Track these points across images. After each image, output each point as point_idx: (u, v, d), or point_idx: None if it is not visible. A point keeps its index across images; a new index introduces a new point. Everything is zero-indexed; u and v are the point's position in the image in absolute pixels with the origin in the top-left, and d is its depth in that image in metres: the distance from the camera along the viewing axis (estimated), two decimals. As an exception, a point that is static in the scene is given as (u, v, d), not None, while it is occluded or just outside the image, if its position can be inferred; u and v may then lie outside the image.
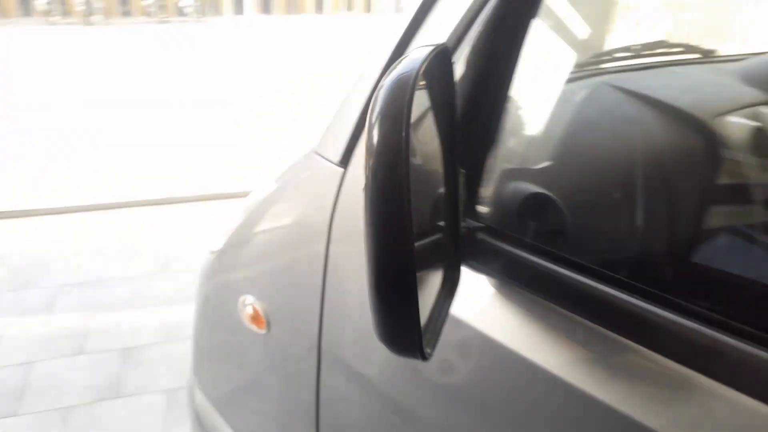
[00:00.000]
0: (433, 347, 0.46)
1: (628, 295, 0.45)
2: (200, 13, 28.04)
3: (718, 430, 0.40)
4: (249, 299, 0.92)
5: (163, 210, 3.74)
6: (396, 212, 0.39)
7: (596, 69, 0.94)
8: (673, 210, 0.59)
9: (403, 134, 0.38)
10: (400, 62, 0.42)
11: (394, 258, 0.40)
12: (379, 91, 0.40)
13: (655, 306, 0.44)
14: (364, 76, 0.77)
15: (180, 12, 28.46)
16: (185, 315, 2.56)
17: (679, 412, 0.42)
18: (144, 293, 2.75)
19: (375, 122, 0.39)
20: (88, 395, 2.08)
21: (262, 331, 0.89)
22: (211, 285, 1.08)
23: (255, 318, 0.91)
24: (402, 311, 0.41)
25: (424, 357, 0.43)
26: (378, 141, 0.39)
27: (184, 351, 2.31)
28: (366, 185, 0.40)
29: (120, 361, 2.26)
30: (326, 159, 0.80)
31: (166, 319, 2.54)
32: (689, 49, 1.34)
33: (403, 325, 0.42)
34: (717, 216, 0.60)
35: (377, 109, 0.40)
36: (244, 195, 1.11)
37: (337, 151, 0.77)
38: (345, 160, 0.76)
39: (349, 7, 39.89)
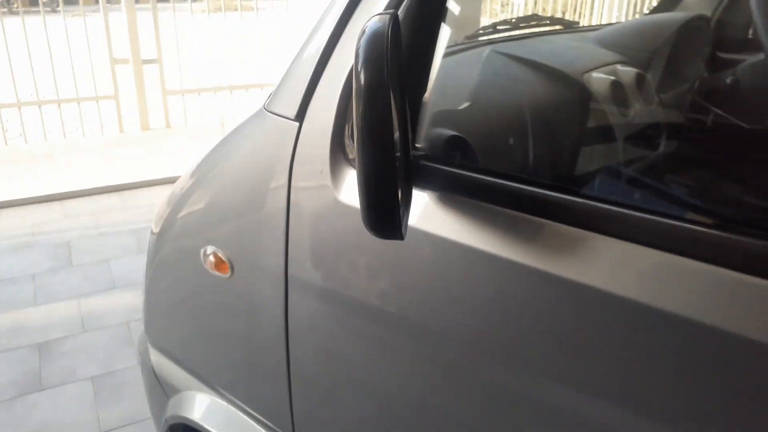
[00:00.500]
0: (405, 230, 0.63)
1: (524, 185, 0.65)
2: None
3: (614, 272, 0.60)
4: (210, 249, 1.03)
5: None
6: (383, 132, 0.55)
7: (489, 39, 1.15)
8: (548, 134, 0.82)
9: (385, 71, 0.54)
10: (371, 20, 0.58)
11: (383, 166, 0.56)
12: (359, 44, 0.56)
13: (547, 190, 0.64)
14: (310, 39, 0.90)
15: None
16: (98, 306, 2.55)
17: (584, 262, 0.62)
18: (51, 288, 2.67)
19: (361, 68, 0.55)
20: (10, 392, 2.03)
21: (226, 275, 1.01)
22: (164, 252, 1.17)
23: (218, 264, 1.02)
24: (387, 206, 0.58)
25: (402, 237, 0.60)
26: (365, 78, 0.55)
27: (103, 339, 2.31)
28: (356, 113, 0.55)
29: (37, 356, 2.22)
30: (280, 115, 0.91)
31: (80, 311, 2.51)
32: (556, 21, 1.66)
33: (387, 215, 0.58)
34: (581, 137, 0.83)
35: (361, 58, 0.55)
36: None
37: (291, 107, 0.88)
38: (300, 114, 0.87)
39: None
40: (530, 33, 1.34)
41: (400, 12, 0.76)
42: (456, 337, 0.72)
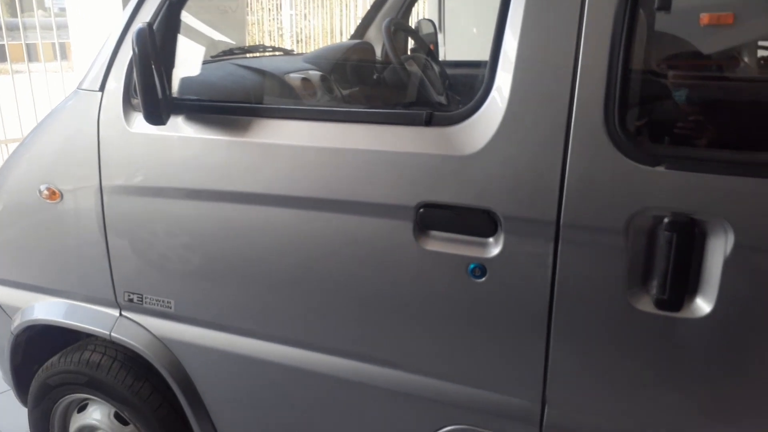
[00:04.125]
0: (167, 118, 1.22)
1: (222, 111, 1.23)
2: None
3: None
4: (44, 186, 1.44)
5: None
6: (149, 81, 1.15)
7: (230, 57, 1.74)
8: (257, 101, 1.43)
9: (149, 51, 1.13)
10: (140, 26, 1.18)
11: (151, 97, 1.14)
12: (134, 38, 1.13)
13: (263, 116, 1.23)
14: (109, 37, 1.40)
15: None
16: None
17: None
18: None
19: (136, 50, 1.12)
20: None
21: (57, 201, 1.42)
22: (5, 203, 1.55)
23: (51, 195, 1.43)
24: (155, 111, 1.15)
25: (164, 123, 1.21)
26: (138, 56, 1.12)
27: None
28: (136, 75, 1.13)
29: None
30: (89, 90, 1.40)
31: None
32: (276, 48, 2.51)
33: (156, 116, 1.17)
34: (278, 109, 1.45)
35: (136, 45, 1.12)
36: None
37: (97, 80, 1.38)
38: (102, 86, 1.37)
39: None
40: (257, 54, 2.01)
41: (155, 24, 1.29)
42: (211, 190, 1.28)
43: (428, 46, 2.17)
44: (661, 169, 0.94)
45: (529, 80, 1.00)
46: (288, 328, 1.29)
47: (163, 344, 1.44)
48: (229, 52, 1.80)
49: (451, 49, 3.15)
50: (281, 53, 2.44)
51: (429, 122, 1.08)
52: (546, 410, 1.12)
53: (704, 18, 1.28)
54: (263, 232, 1.24)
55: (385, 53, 2.00)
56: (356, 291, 1.19)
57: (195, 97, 1.31)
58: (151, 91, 1.16)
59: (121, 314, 1.48)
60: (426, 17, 3.14)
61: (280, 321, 1.29)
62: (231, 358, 1.37)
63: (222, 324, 1.36)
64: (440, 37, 3.05)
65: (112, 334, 1.47)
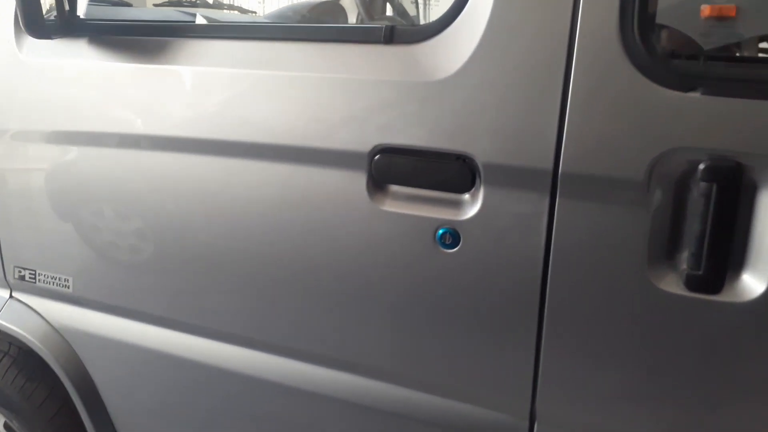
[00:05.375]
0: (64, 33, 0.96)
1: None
2: None
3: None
4: None
5: None
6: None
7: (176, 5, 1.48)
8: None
9: None
10: None
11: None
12: None
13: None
14: None
15: None
16: None
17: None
18: None
19: None
20: None
21: None
22: None
23: None
24: (40, 31, 0.88)
25: (51, 37, 0.93)
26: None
27: None
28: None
29: None
30: None
31: None
32: (232, 7, 2.17)
33: (41, 32, 0.89)
34: None
35: None
36: None
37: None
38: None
39: None
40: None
41: None
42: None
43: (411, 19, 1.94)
44: (696, 95, 0.68)
45: None
46: (212, 315, 1.01)
47: (59, 334, 1.15)
48: (177, 3, 1.55)
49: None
50: (238, 12, 2.18)
51: (390, 39, 0.83)
52: (536, 429, 0.85)
53: None
54: (182, 188, 0.97)
55: (360, 19, 1.77)
56: (294, 267, 0.92)
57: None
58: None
59: (11, 296, 1.19)
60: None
61: (201, 306, 1.02)
62: (141, 353, 1.09)
63: (130, 309, 1.08)
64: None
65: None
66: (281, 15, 1.62)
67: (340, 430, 0.97)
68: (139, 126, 0.97)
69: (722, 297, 0.71)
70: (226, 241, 0.95)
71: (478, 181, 0.79)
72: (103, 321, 1.11)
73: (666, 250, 0.73)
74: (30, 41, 1.04)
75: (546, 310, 0.79)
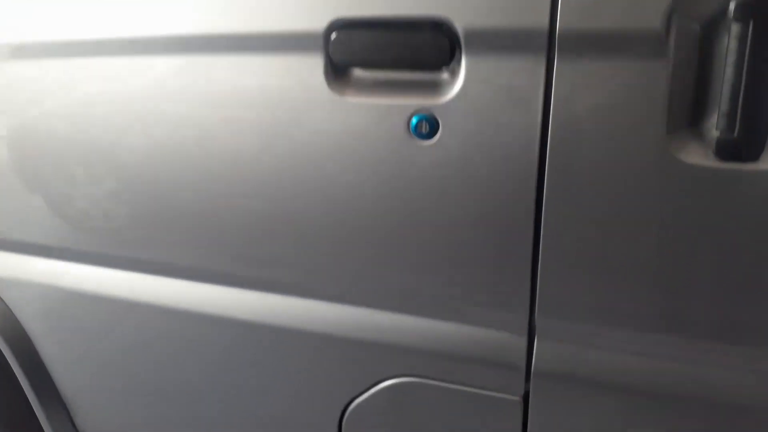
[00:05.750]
0: None
1: None
2: None
3: None
4: None
5: None
6: None
7: None
8: None
9: None
10: None
11: None
12: None
13: None
14: None
15: None
16: None
17: None
18: None
19: None
20: None
21: None
22: None
23: None
24: None
25: None
26: None
27: None
28: None
29: None
30: None
31: None
32: None
33: None
34: None
35: None
36: None
37: None
38: None
39: None
40: None
41: None
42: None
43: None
44: None
45: None
46: (155, 246, 0.87)
47: None
48: None
49: None
50: None
51: None
52: (536, 345, 0.73)
53: None
54: (116, 91, 0.81)
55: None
56: (249, 175, 0.78)
57: None
58: None
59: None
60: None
61: (144, 236, 0.87)
62: (74, 295, 0.95)
63: (67, 249, 0.94)
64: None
65: None
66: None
67: (308, 360, 0.85)
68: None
69: (762, 165, 0.58)
70: (162, 150, 0.81)
71: (458, 52, 0.65)
72: (35, 264, 0.96)
73: (689, 114, 0.60)
74: None
75: (544, 203, 0.66)
